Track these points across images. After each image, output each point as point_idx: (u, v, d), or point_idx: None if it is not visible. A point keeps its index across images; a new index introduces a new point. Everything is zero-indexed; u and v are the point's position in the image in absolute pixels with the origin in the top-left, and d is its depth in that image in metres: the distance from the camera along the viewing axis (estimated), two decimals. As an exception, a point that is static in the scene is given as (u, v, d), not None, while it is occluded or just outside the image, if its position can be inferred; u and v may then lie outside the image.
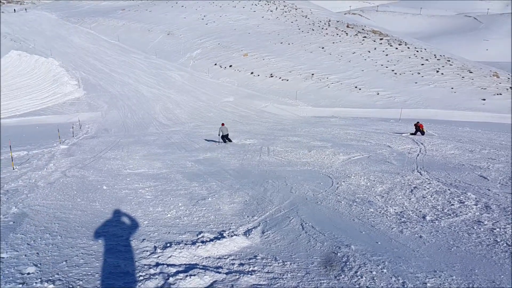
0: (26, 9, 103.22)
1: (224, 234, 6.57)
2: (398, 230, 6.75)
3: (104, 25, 72.16)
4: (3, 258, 5.45)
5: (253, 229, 6.91)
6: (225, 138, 18.86)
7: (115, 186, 10.31)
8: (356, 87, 39.15)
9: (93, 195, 9.26)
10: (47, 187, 9.70)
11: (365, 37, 53.52)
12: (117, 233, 6.72)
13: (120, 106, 35.47)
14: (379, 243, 6.21)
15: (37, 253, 5.70)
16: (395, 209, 7.85)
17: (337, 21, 63.14)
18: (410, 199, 8.52)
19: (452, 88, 36.80)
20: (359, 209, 7.90)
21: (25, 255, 5.58)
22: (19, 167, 12.39)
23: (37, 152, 15.86)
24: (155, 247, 6.00)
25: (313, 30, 58.25)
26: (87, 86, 42.44)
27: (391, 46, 49.65)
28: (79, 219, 7.41)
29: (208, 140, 20.63)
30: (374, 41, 51.82)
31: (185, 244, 6.13)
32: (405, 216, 7.45)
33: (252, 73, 46.30)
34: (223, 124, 18.91)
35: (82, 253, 5.75)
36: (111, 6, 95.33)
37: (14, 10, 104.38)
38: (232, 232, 6.74)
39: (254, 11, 70.41)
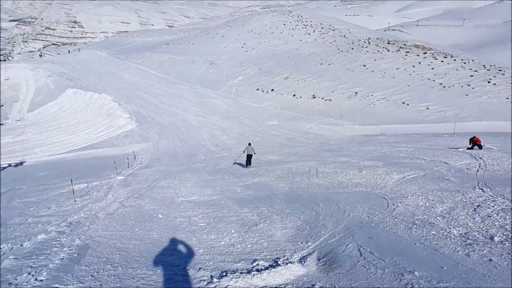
0: (79, 49, 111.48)
1: (279, 262, 6.47)
2: (464, 253, 6.32)
3: (151, 60, 76.02)
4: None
5: (308, 256, 6.75)
6: (249, 159, 19.80)
7: (170, 214, 10.58)
8: (403, 103, 38.02)
9: (149, 224, 9.54)
10: (107, 218, 10.12)
11: (407, 52, 52.29)
12: (174, 262, 6.84)
13: (170, 136, 36.74)
14: (444, 268, 5.84)
15: (101, 284, 5.90)
16: (459, 231, 7.37)
17: (377, 38, 62.31)
18: (474, 218, 7.98)
19: (507, 98, 34.72)
20: (419, 231, 7.49)
21: (90, 287, 5.80)
22: (80, 199, 13.06)
23: (96, 184, 16.68)
24: (211, 276, 6.03)
25: (352, 49, 57.82)
26: (139, 118, 44.49)
27: (436, 59, 48.04)
28: (138, 249, 7.64)
29: (236, 163, 21.25)
30: (418, 55, 50.43)
31: (241, 272, 6.10)
32: (470, 237, 6.98)
33: (294, 95, 46.46)
34: (249, 144, 20.29)
35: (142, 284, 5.88)
36: (156, 42, 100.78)
37: (69, 51, 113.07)
38: (287, 259, 6.62)
39: (292, 36, 71.31)
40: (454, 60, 47.23)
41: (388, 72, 46.93)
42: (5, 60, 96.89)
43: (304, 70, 52.91)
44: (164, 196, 13.45)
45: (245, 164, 20.03)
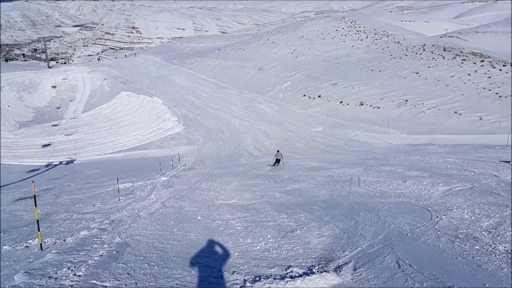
0: (135, 54, 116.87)
1: (314, 270, 6.39)
2: (510, 271, 5.91)
3: (202, 65, 77.98)
4: (106, 287, 5.95)
5: (344, 266, 6.59)
6: (277, 162, 22.97)
7: (209, 216, 10.78)
8: (455, 112, 36.23)
9: (188, 226, 9.78)
10: (148, 218, 10.49)
11: (464, 59, 49.80)
12: (209, 264, 6.96)
13: (214, 139, 37.49)
14: (487, 285, 5.50)
15: (136, 283, 6.08)
16: (505, 247, 6.89)
17: (433, 45, 59.90)
18: (523, 236, 7.46)
19: None
20: (462, 246, 7.09)
21: (125, 285, 5.99)
22: (124, 198, 13.66)
23: (141, 183, 17.36)
24: (244, 281, 6.06)
25: (406, 55, 55.99)
26: (186, 121, 45.80)
27: (494, 68, 45.33)
28: (175, 249, 7.84)
29: (269, 165, 23.54)
30: (475, 63, 47.88)
31: (274, 278, 6.08)
32: (518, 255, 6.54)
33: (341, 102, 45.73)
34: (278, 151, 23.58)
35: (176, 284, 6.02)
36: (208, 47, 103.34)
37: (125, 55, 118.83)
38: (322, 268, 6.52)
39: (344, 42, 70.31)
40: (515, 68, 44.36)
41: (442, 80, 44.97)
42: (66, 63, 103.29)
43: (353, 76, 51.98)
44: (204, 198, 13.74)
45: (272, 164, 23.34)
